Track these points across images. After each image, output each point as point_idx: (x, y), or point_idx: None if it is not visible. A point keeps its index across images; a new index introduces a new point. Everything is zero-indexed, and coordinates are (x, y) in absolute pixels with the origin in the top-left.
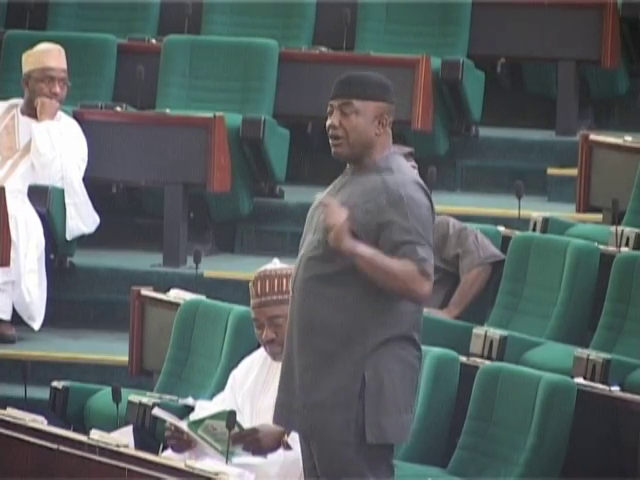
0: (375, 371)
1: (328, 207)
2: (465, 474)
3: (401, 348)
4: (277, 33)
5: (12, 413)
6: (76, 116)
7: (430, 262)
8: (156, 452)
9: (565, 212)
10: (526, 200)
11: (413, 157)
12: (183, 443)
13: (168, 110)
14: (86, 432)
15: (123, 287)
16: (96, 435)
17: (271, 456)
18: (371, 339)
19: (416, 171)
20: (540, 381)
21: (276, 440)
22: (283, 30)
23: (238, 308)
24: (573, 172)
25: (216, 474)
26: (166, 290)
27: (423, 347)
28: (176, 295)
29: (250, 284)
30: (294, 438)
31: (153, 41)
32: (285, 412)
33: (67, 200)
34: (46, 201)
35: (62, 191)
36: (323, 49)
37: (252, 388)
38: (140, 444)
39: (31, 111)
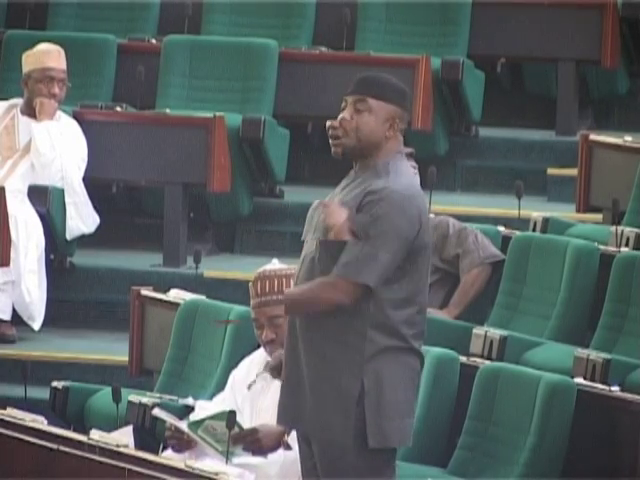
0: (375, 376)
1: (328, 207)
2: (465, 474)
3: (402, 352)
4: (277, 33)
5: (12, 413)
6: (76, 116)
7: (350, 261)
8: (156, 452)
9: (565, 212)
10: (526, 200)
11: (413, 157)
12: (183, 443)
13: (168, 110)
14: (86, 432)
15: (123, 287)
16: (96, 435)
17: (271, 456)
18: (370, 343)
19: (417, 174)
20: (540, 381)
21: (276, 440)
22: (283, 30)
23: (238, 308)
24: (573, 172)
25: (216, 474)
26: (166, 290)
27: (423, 347)
28: (176, 295)
29: (250, 284)
30: (294, 438)
31: (153, 41)
32: (288, 413)
33: (67, 200)
34: (46, 201)
35: (62, 191)
36: (323, 49)
37: (252, 388)
38: (140, 444)
39: (31, 111)
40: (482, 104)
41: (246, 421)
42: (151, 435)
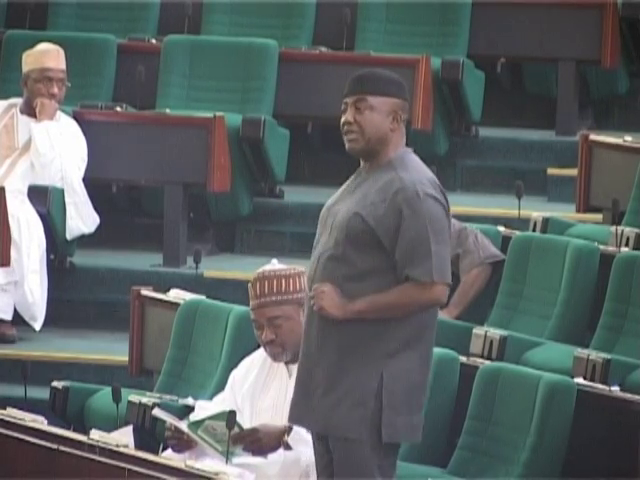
0: (394, 370)
1: (322, 292)
2: (465, 474)
3: (418, 348)
4: (277, 33)
5: (12, 413)
6: (76, 116)
7: (433, 263)
8: (156, 452)
9: (565, 212)
10: (526, 200)
11: None
12: (183, 443)
13: (168, 110)
14: (86, 432)
15: (123, 287)
16: (96, 435)
17: (271, 456)
18: (391, 338)
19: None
20: (540, 381)
21: (276, 440)
22: (283, 30)
23: (238, 308)
24: (573, 172)
25: (216, 474)
26: (166, 290)
27: None
28: (176, 295)
29: (249, 285)
30: (294, 438)
31: (153, 41)
32: (301, 411)
33: (67, 200)
34: (46, 201)
35: (62, 191)
36: (323, 49)
37: (252, 388)
38: (140, 444)
39: (30, 110)
40: (482, 104)
41: (246, 421)
42: (151, 435)
